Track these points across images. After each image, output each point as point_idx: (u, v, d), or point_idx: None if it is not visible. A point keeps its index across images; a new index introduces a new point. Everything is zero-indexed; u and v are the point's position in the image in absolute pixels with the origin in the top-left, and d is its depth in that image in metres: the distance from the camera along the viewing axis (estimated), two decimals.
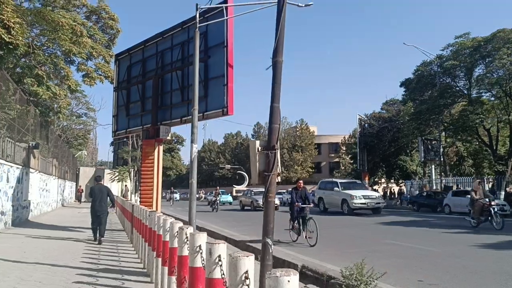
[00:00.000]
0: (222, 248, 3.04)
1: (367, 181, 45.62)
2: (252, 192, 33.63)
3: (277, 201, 38.45)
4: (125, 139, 47.95)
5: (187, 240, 4.14)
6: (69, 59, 21.53)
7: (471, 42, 32.30)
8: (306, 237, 11.73)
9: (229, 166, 79.92)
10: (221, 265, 2.94)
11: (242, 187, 65.38)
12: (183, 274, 4.18)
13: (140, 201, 14.95)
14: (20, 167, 16.31)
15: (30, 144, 17.69)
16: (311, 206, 12.51)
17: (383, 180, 55.19)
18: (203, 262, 3.52)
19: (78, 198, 40.55)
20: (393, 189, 52.40)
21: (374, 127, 47.67)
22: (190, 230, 4.23)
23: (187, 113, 13.99)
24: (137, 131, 17.48)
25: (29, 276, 6.81)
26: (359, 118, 47.98)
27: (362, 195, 23.93)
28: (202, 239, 3.66)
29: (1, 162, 13.50)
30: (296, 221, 12.29)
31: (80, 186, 44.04)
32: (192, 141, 11.09)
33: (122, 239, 12.45)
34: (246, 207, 33.68)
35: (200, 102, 12.13)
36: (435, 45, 56.80)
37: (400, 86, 40.80)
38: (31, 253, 9.20)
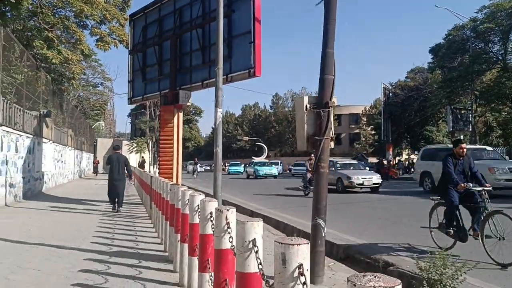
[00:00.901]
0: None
1: (391, 152, 44.08)
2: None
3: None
4: (142, 110, 47.05)
5: (228, 228, 2.87)
6: (81, 23, 20.21)
7: (509, 3, 29.89)
8: (487, 250, 5.88)
9: (247, 138, 78.90)
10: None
11: (261, 158, 64.81)
12: (222, 276, 2.92)
13: (159, 173, 13.81)
14: (31, 136, 15.26)
15: (42, 112, 16.60)
16: (488, 188, 6.38)
17: (407, 151, 53.46)
18: (260, 267, 2.25)
19: (94, 171, 39.45)
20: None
21: (399, 96, 45.70)
22: (231, 213, 2.94)
23: (208, 76, 12.65)
24: (154, 97, 16.19)
25: (28, 262, 5.67)
26: (383, 87, 45.99)
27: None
28: (257, 229, 2.37)
29: (7, 130, 12.40)
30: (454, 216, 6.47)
31: (96, 158, 42.77)
32: (216, 105, 9.73)
33: (140, 214, 11.35)
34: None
35: (223, 64, 10.74)
36: (469, 7, 53.80)
37: (429, 52, 38.67)
38: (37, 231, 8.12)
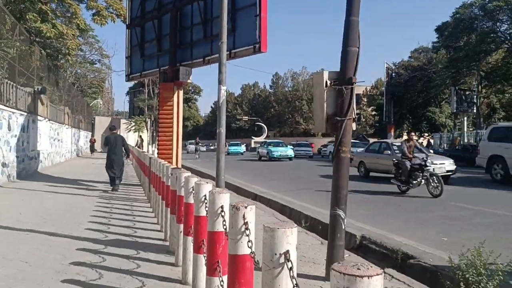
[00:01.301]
0: None
1: (392, 133, 43.50)
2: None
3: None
4: (141, 88, 46.22)
5: (246, 229, 2.32)
6: None
7: None
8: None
9: (247, 117, 78.12)
10: None
11: (261, 138, 64.29)
12: (238, 281, 2.38)
13: (158, 153, 13.25)
14: (25, 114, 14.62)
15: (36, 89, 15.92)
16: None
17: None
18: (291, 274, 1.72)
19: (91, 149, 37.22)
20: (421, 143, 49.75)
21: (402, 77, 44.84)
22: (250, 211, 2.39)
23: (210, 51, 12.00)
24: (153, 74, 15.50)
25: (15, 253, 5.14)
26: (386, 67, 45.06)
27: None
28: (290, 238, 1.82)
29: None
30: None
31: (93, 136, 41.34)
32: (219, 82, 9.12)
33: (138, 196, 10.83)
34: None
35: (227, 38, 10.07)
36: None
37: (435, 31, 37.71)
38: (28, 216, 7.59)
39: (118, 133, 13.44)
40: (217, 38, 11.37)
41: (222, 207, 2.97)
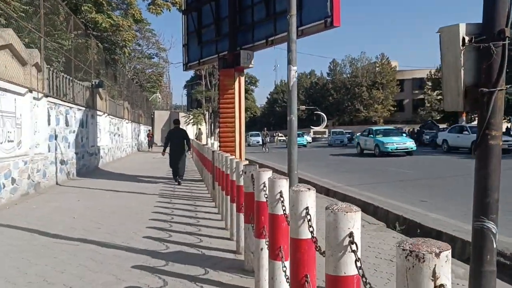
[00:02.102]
0: None
1: (464, 118, 40.37)
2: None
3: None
4: (198, 80, 45.93)
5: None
6: None
7: None
8: None
9: (304, 107, 76.27)
10: None
11: (320, 128, 62.47)
12: None
13: (219, 146, 12.29)
14: (83, 108, 14.17)
15: (94, 83, 15.46)
16: None
17: None
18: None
19: (148, 145, 35.00)
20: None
21: None
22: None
23: (274, 31, 10.81)
24: (212, 61, 14.49)
25: (59, 272, 4.22)
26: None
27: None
28: None
29: (54, 102, 11.24)
30: None
31: (149, 131, 39.02)
32: (289, 62, 7.86)
33: (201, 193, 9.86)
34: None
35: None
36: None
37: None
38: (82, 220, 6.77)
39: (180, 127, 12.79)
40: (281, 16, 10.20)
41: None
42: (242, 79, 12.22)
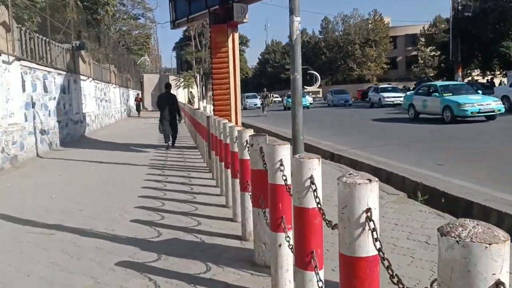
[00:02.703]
0: None
1: (460, 74, 39.53)
2: None
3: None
4: (188, 41, 44.25)
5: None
6: None
7: None
8: None
9: None
10: None
11: (314, 88, 61.32)
12: None
13: (213, 110, 11.37)
14: (63, 73, 13.07)
15: (74, 44, 14.26)
16: None
17: (477, 72, 48.15)
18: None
19: (137, 109, 32.10)
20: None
21: (470, 9, 40.07)
22: None
23: None
24: (202, 17, 13.28)
25: (25, 276, 3.39)
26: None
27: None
28: None
29: (29, 66, 10.16)
30: None
31: (138, 95, 36.49)
32: (291, 12, 6.85)
33: (196, 163, 9.00)
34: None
35: None
36: None
37: None
38: (61, 200, 5.91)
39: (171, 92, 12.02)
40: None
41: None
42: (236, 35, 11.16)
